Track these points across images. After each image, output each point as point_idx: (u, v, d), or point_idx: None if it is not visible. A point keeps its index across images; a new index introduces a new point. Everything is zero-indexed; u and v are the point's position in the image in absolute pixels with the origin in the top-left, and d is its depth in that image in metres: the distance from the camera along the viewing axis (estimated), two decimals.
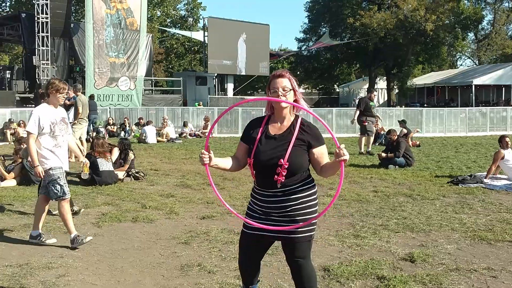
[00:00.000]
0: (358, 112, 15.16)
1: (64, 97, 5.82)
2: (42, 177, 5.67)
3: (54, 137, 5.71)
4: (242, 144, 3.54)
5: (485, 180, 9.82)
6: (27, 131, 5.71)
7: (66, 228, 5.75)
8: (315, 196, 3.54)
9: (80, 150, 7.05)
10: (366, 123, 14.97)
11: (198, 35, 41.23)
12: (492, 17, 56.56)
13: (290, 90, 3.43)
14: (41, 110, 5.73)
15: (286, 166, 3.33)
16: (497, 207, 7.75)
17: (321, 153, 3.46)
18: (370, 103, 15.25)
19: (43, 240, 5.77)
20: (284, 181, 3.36)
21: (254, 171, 3.46)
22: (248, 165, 3.48)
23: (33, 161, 5.61)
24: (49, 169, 5.65)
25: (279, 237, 3.47)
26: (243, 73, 36.40)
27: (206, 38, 34.10)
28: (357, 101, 46.61)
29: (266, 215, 3.46)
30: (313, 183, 3.53)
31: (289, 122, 3.50)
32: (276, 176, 3.36)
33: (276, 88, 3.41)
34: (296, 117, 3.51)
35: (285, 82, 3.43)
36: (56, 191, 5.66)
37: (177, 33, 49.66)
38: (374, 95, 16.08)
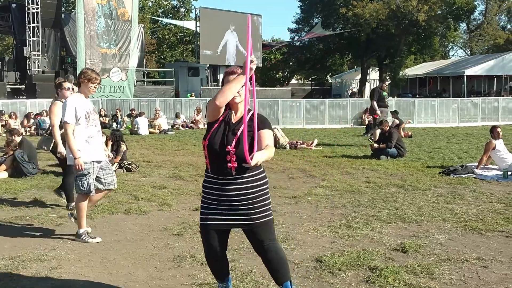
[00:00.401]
0: (375, 103, 15.13)
1: (95, 87, 5.70)
2: (82, 169, 5.50)
3: (89, 127, 5.61)
4: None
5: (477, 171, 9.88)
6: (64, 121, 5.55)
7: (78, 221, 5.67)
8: (267, 184, 3.68)
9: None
10: (377, 117, 14.98)
11: (190, 25, 41.05)
12: (484, 7, 56.65)
13: (242, 86, 3.45)
14: (76, 100, 5.62)
15: (234, 152, 3.43)
16: (488, 197, 7.80)
17: (264, 137, 3.53)
18: (383, 93, 15.42)
19: (87, 239, 5.61)
20: (237, 168, 3.46)
21: (208, 156, 3.55)
22: (203, 147, 3.56)
23: (74, 153, 5.45)
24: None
25: (239, 225, 3.59)
26: (232, 64, 36.27)
27: (198, 28, 33.96)
28: (350, 92, 46.69)
29: (223, 204, 3.54)
30: (264, 172, 3.67)
31: (241, 113, 3.60)
32: (228, 164, 3.46)
33: None
34: (249, 110, 3.55)
35: None
36: (82, 187, 5.54)
37: (169, 23, 49.37)
38: (386, 85, 16.28)
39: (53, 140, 7.08)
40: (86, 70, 5.74)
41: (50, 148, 7.52)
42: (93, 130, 5.67)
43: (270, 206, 3.66)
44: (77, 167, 5.49)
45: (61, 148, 6.59)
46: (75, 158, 5.48)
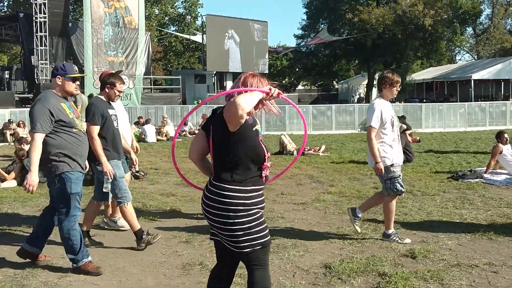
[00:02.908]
0: None
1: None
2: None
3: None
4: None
5: (485, 175, 9.82)
6: (369, 126, 5.65)
7: (386, 222, 5.77)
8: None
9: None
10: None
11: (196, 38, 41.27)
12: (491, 11, 56.52)
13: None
14: (382, 104, 5.76)
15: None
16: (498, 202, 7.76)
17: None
18: None
19: (397, 239, 5.69)
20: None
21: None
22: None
23: (376, 158, 5.58)
24: (391, 165, 5.68)
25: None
26: (238, 70, 36.30)
27: (204, 36, 34.05)
28: (356, 97, 46.57)
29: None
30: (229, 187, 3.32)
31: None
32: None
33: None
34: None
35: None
36: (395, 189, 5.72)
37: (176, 35, 49.58)
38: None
39: None
40: (387, 74, 5.89)
41: None
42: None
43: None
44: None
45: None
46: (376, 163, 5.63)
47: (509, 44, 53.08)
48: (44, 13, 25.35)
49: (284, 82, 57.78)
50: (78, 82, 5.01)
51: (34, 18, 25.29)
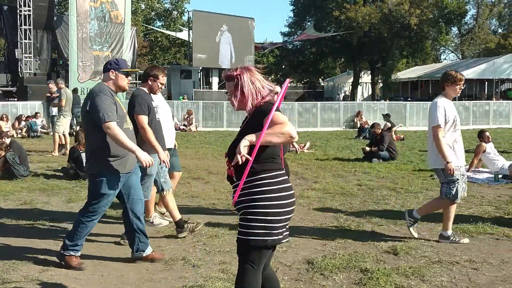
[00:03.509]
0: None
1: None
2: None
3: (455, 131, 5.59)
4: None
5: (468, 174, 9.91)
6: (435, 126, 5.47)
7: (444, 223, 5.67)
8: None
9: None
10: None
11: (182, 35, 41.10)
12: (476, 11, 57.04)
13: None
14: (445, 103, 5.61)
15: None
16: (479, 200, 7.84)
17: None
18: None
19: (456, 239, 5.60)
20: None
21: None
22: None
23: (447, 158, 5.41)
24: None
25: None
26: (228, 67, 36.28)
27: (190, 31, 33.93)
28: (342, 95, 46.76)
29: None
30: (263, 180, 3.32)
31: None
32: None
33: (227, 91, 3.33)
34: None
35: (231, 85, 3.27)
36: (450, 193, 5.56)
37: (162, 32, 49.37)
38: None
39: None
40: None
41: None
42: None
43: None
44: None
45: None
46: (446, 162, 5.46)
47: (493, 44, 53.65)
48: (29, 6, 25.10)
49: (270, 79, 57.72)
50: (130, 78, 4.98)
51: (18, 11, 25.03)
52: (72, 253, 4.80)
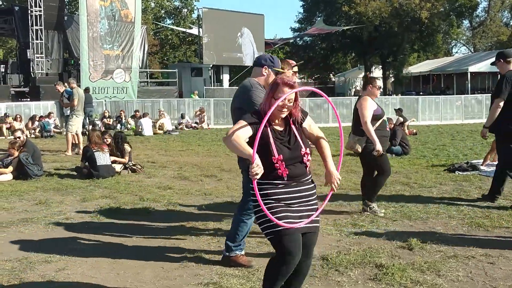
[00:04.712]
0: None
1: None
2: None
3: None
4: (249, 130, 3.46)
5: (482, 167, 9.85)
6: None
7: None
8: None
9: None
10: None
11: (194, 31, 41.16)
12: (487, 4, 56.47)
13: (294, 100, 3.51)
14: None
15: (308, 152, 3.53)
16: None
17: (309, 124, 3.73)
18: None
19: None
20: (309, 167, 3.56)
21: (284, 166, 3.42)
22: (273, 164, 3.39)
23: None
24: None
25: (311, 227, 3.52)
26: (249, 64, 36.07)
27: (201, 29, 33.95)
28: (353, 91, 46.58)
29: (298, 207, 3.49)
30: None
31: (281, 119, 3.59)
32: (306, 164, 3.53)
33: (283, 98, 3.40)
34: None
35: (293, 94, 3.46)
36: None
37: (172, 29, 49.43)
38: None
39: (365, 139, 6.51)
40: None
41: (361, 149, 6.63)
42: None
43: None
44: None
45: (379, 146, 6.29)
46: None
47: (505, 37, 53.09)
48: (40, 6, 25.22)
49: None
50: None
51: (29, 11, 25.16)
52: (237, 252, 4.76)
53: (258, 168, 3.18)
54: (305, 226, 3.43)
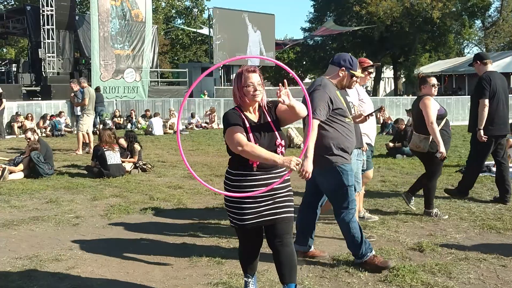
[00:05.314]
0: None
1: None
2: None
3: None
4: (241, 129, 3.56)
5: (494, 169, 9.74)
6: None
7: None
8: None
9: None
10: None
11: (204, 31, 41.23)
12: (499, 4, 56.03)
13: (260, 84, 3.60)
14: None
15: (284, 144, 3.60)
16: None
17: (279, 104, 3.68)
18: None
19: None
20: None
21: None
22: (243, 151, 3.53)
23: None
24: None
25: (277, 219, 3.63)
26: (256, 64, 36.13)
27: (211, 29, 33.99)
28: (364, 90, 46.70)
29: (268, 199, 3.61)
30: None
31: (255, 109, 3.70)
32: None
33: (252, 84, 3.56)
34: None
35: (258, 77, 3.60)
36: None
37: (183, 29, 49.54)
38: None
39: (430, 139, 6.40)
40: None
41: (427, 148, 6.47)
42: None
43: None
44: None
45: (442, 149, 6.25)
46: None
47: None
48: (51, 6, 25.36)
49: (291, 75, 57.51)
50: (355, 78, 4.85)
51: (41, 11, 25.30)
52: (368, 254, 4.66)
53: (295, 161, 3.39)
54: (271, 218, 3.62)
